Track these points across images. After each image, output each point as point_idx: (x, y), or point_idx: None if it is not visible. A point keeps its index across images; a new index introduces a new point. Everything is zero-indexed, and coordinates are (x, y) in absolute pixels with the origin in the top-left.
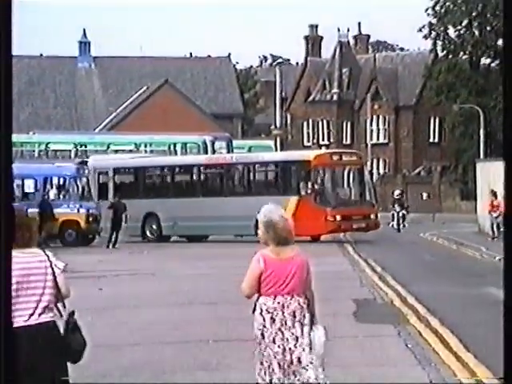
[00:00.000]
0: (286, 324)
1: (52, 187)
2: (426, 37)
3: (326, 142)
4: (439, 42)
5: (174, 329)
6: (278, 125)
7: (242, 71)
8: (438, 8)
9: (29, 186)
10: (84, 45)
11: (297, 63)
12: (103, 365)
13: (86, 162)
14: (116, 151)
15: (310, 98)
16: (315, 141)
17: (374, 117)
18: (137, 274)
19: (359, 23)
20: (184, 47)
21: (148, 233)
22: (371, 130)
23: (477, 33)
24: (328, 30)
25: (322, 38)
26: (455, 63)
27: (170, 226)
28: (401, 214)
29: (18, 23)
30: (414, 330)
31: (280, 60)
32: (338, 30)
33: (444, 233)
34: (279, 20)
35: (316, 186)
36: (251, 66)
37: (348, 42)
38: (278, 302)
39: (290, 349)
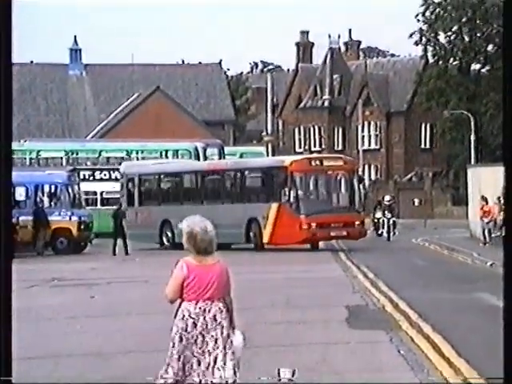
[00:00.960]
0: (206, 327)
1: (43, 195)
2: (416, 43)
3: (317, 148)
4: (430, 48)
5: (167, 336)
6: (269, 131)
7: (233, 78)
8: (428, 14)
9: (20, 194)
10: (75, 52)
11: (288, 69)
12: (96, 373)
13: (77, 169)
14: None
15: (302, 105)
16: (307, 147)
17: (366, 123)
18: (129, 282)
19: (350, 29)
20: (175, 54)
21: (165, 240)
22: (363, 136)
23: (467, 39)
24: (319, 36)
25: (313, 44)
26: (445, 69)
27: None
28: (391, 222)
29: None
30: (406, 336)
31: (271, 66)
32: (329, 36)
33: (436, 238)
34: (270, 26)
35: (292, 193)
36: (242, 73)
37: (339, 48)
38: (200, 308)
39: (208, 351)
